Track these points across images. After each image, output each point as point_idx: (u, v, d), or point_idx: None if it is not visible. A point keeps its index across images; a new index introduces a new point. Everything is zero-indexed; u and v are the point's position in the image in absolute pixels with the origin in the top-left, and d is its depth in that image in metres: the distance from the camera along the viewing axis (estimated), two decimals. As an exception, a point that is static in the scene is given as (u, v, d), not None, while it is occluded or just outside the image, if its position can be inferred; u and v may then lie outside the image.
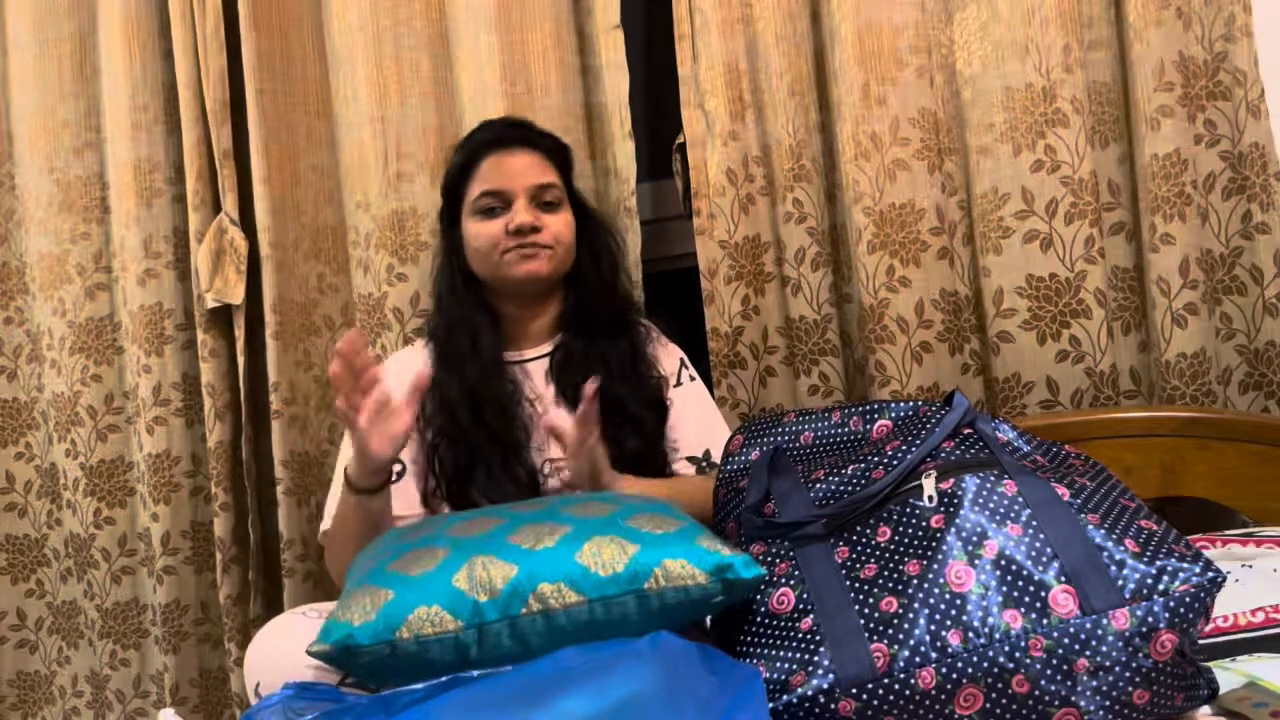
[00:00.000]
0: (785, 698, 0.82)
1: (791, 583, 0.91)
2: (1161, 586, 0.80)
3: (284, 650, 1.02)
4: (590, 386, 1.14)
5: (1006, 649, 0.80)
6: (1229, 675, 0.89)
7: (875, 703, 0.81)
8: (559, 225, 1.38)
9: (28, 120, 1.84)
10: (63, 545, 1.87)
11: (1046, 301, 1.49)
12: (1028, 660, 0.80)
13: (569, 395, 1.34)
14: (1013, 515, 0.87)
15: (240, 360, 1.71)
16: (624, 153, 1.63)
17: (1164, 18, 1.44)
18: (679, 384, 1.42)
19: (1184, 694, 0.82)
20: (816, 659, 0.83)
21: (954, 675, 0.80)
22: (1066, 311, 1.48)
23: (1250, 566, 1.11)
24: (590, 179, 1.66)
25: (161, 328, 1.77)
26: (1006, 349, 1.51)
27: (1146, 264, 1.47)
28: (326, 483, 1.65)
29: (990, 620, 0.81)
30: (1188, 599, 0.80)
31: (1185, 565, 0.81)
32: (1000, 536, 0.86)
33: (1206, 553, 1.12)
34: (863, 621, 0.85)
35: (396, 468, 1.28)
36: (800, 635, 0.86)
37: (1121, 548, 0.83)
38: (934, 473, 0.92)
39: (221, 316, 1.74)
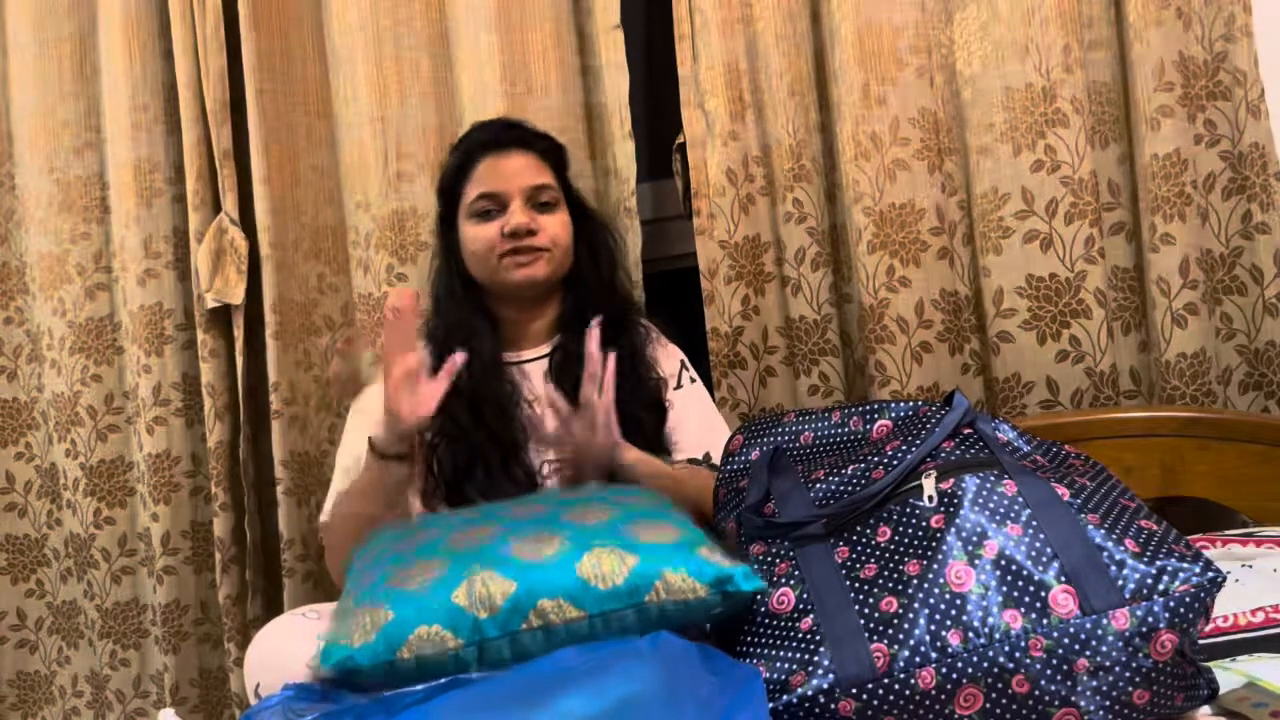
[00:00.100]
0: (785, 698, 0.82)
1: (791, 583, 0.90)
2: (1161, 586, 0.80)
3: (284, 651, 1.02)
4: (594, 332, 1.17)
5: (1006, 649, 0.80)
6: (1229, 675, 0.89)
7: (875, 703, 0.81)
8: (555, 227, 1.38)
9: (28, 120, 1.84)
10: (63, 545, 1.87)
11: (1046, 301, 1.49)
12: (1028, 660, 0.80)
13: (568, 395, 1.34)
14: (1013, 515, 0.87)
15: (239, 360, 1.71)
16: (624, 153, 1.63)
17: (1164, 18, 1.44)
18: (679, 386, 1.41)
19: (1184, 694, 0.82)
20: (816, 659, 0.83)
21: (954, 675, 0.80)
22: (1066, 311, 1.48)
23: (1250, 566, 1.11)
24: (590, 179, 1.66)
25: (161, 328, 1.77)
26: (1006, 349, 1.51)
27: (1146, 264, 1.47)
28: (326, 482, 1.64)
29: (990, 620, 0.81)
30: (1188, 599, 0.80)
31: (1185, 565, 0.81)
32: (1000, 536, 0.86)
33: (1206, 553, 1.12)
34: (863, 621, 0.85)
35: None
36: (800, 635, 0.86)
37: (1121, 548, 0.83)
38: (934, 473, 0.92)
39: (221, 316, 1.74)
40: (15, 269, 1.89)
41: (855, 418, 1.09)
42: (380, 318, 1.14)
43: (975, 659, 0.80)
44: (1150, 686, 0.80)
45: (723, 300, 1.59)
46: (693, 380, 1.44)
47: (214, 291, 1.70)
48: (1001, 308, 1.51)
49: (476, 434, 1.32)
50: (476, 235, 1.37)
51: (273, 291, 1.67)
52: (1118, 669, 0.79)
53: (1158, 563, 0.81)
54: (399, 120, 1.69)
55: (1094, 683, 0.79)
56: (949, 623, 0.82)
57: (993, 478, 0.90)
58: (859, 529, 0.92)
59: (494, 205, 1.37)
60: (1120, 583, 0.81)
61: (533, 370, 1.40)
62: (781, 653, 0.85)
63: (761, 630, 0.89)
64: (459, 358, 1.18)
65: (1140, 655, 0.79)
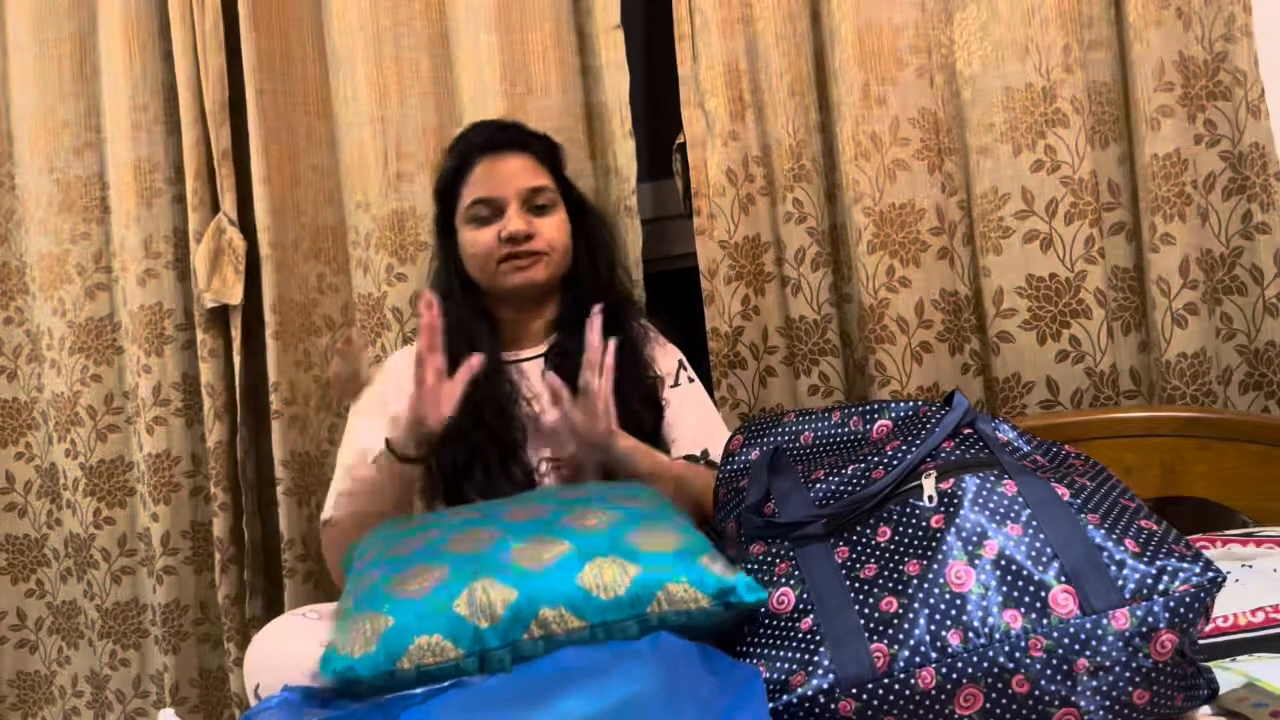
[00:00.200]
0: (785, 698, 0.82)
1: (791, 583, 0.90)
2: (1161, 586, 0.80)
3: (284, 651, 1.02)
4: (595, 320, 1.17)
5: (1006, 649, 0.80)
6: (1229, 675, 0.89)
7: (875, 703, 0.81)
8: (552, 230, 1.38)
9: (28, 120, 1.84)
10: (62, 545, 1.87)
11: (1046, 301, 1.49)
12: (1028, 660, 0.80)
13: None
14: (1013, 515, 0.87)
15: (236, 360, 1.71)
16: (624, 152, 1.63)
17: (1164, 18, 1.44)
18: (676, 384, 1.41)
19: (1184, 694, 0.82)
20: (816, 659, 0.83)
21: (954, 675, 0.80)
22: (1066, 311, 1.48)
23: (1250, 566, 1.11)
24: (590, 178, 1.66)
25: (161, 328, 1.77)
26: (1006, 349, 1.51)
27: (1146, 264, 1.47)
28: (327, 482, 1.64)
29: (990, 620, 0.81)
30: (1188, 599, 0.80)
31: (1185, 565, 0.81)
32: (1000, 536, 0.86)
33: (1206, 553, 1.12)
34: (863, 621, 0.85)
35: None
36: (800, 635, 0.86)
37: (1121, 548, 0.83)
38: (934, 473, 0.92)
39: (221, 316, 1.74)
40: (15, 269, 1.89)
41: (855, 418, 1.09)
42: (416, 322, 1.15)
43: (975, 659, 0.80)
44: (1150, 686, 0.80)
45: (723, 300, 1.59)
46: (691, 380, 1.44)
47: (212, 292, 1.70)
48: (1001, 308, 1.51)
49: (476, 434, 1.32)
50: (475, 240, 1.37)
51: (273, 291, 1.67)
52: (1118, 669, 0.79)
53: (1158, 563, 0.81)
54: (399, 120, 1.69)
55: (1094, 683, 0.79)
56: (949, 623, 0.82)
57: (993, 478, 0.90)
58: (859, 529, 0.92)
59: (490, 210, 1.37)
60: (1120, 583, 0.81)
61: (530, 369, 1.40)
62: (781, 653, 0.85)
63: (761, 630, 0.89)
64: (476, 359, 1.18)
65: (1140, 655, 0.79)
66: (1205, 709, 0.84)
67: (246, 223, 1.71)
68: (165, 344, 1.77)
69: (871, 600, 0.86)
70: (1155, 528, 0.86)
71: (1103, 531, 0.84)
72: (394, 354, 1.54)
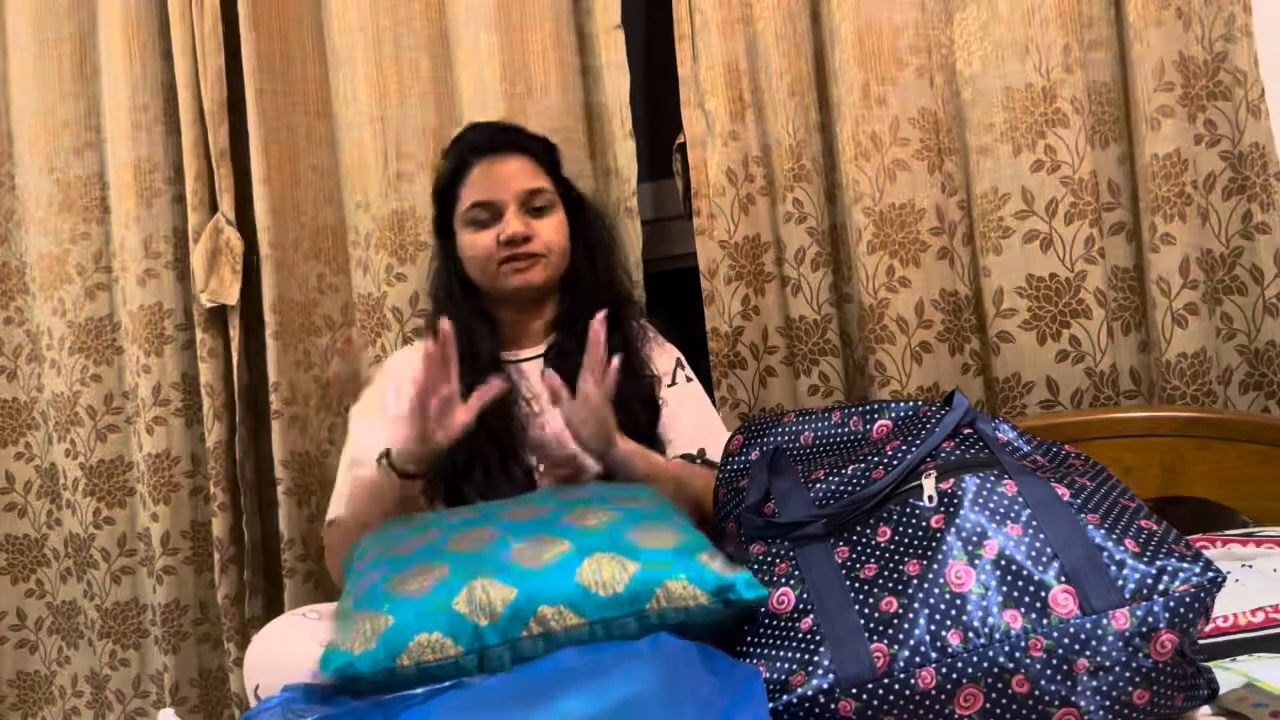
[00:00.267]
0: (785, 698, 0.82)
1: (791, 583, 0.90)
2: (1161, 586, 0.80)
3: (284, 651, 1.02)
4: (597, 329, 1.16)
5: (1006, 649, 0.80)
6: (1229, 675, 0.89)
7: (875, 703, 0.81)
8: (550, 232, 1.38)
9: (28, 120, 1.84)
10: (62, 545, 1.87)
11: (1046, 301, 1.49)
12: (1028, 660, 0.80)
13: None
14: (1013, 515, 0.87)
15: (234, 360, 1.71)
16: (624, 152, 1.63)
17: (1164, 18, 1.44)
18: (673, 383, 1.41)
19: (1184, 694, 0.82)
20: (816, 659, 0.83)
21: (954, 675, 0.80)
22: (1066, 311, 1.48)
23: (1250, 566, 1.11)
24: (590, 179, 1.66)
25: (161, 328, 1.77)
26: (1006, 349, 1.51)
27: (1146, 264, 1.47)
28: (327, 483, 1.65)
29: (990, 620, 0.81)
30: (1188, 599, 0.80)
31: (1185, 565, 0.81)
32: (1000, 536, 0.86)
33: (1206, 553, 1.12)
34: (863, 621, 0.85)
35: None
36: (800, 635, 0.86)
37: (1121, 548, 0.83)
38: (934, 473, 0.92)
39: (220, 316, 1.74)
40: (15, 269, 1.89)
41: (855, 418, 1.09)
42: (436, 346, 1.13)
43: (975, 659, 0.80)
44: (1150, 686, 0.80)
45: (723, 300, 1.59)
46: (689, 379, 1.43)
47: (209, 292, 1.70)
48: (1001, 308, 1.51)
49: (477, 434, 1.32)
50: (473, 243, 1.38)
51: (272, 291, 1.67)
52: (1118, 669, 0.79)
53: (1158, 563, 0.81)
54: (399, 120, 1.69)
55: (1094, 683, 0.79)
56: (949, 623, 0.82)
57: (993, 478, 0.90)
58: (859, 529, 0.92)
59: (489, 214, 1.37)
60: (1120, 583, 0.81)
61: (530, 369, 1.40)
62: (781, 653, 0.85)
63: (761, 630, 0.89)
64: (496, 383, 1.17)
65: (1140, 655, 0.79)
66: (1205, 709, 0.85)
67: (247, 223, 1.71)
68: (165, 344, 1.77)
69: (871, 600, 0.86)
70: (1155, 528, 0.86)
71: (1103, 531, 0.84)
72: (394, 354, 1.54)
